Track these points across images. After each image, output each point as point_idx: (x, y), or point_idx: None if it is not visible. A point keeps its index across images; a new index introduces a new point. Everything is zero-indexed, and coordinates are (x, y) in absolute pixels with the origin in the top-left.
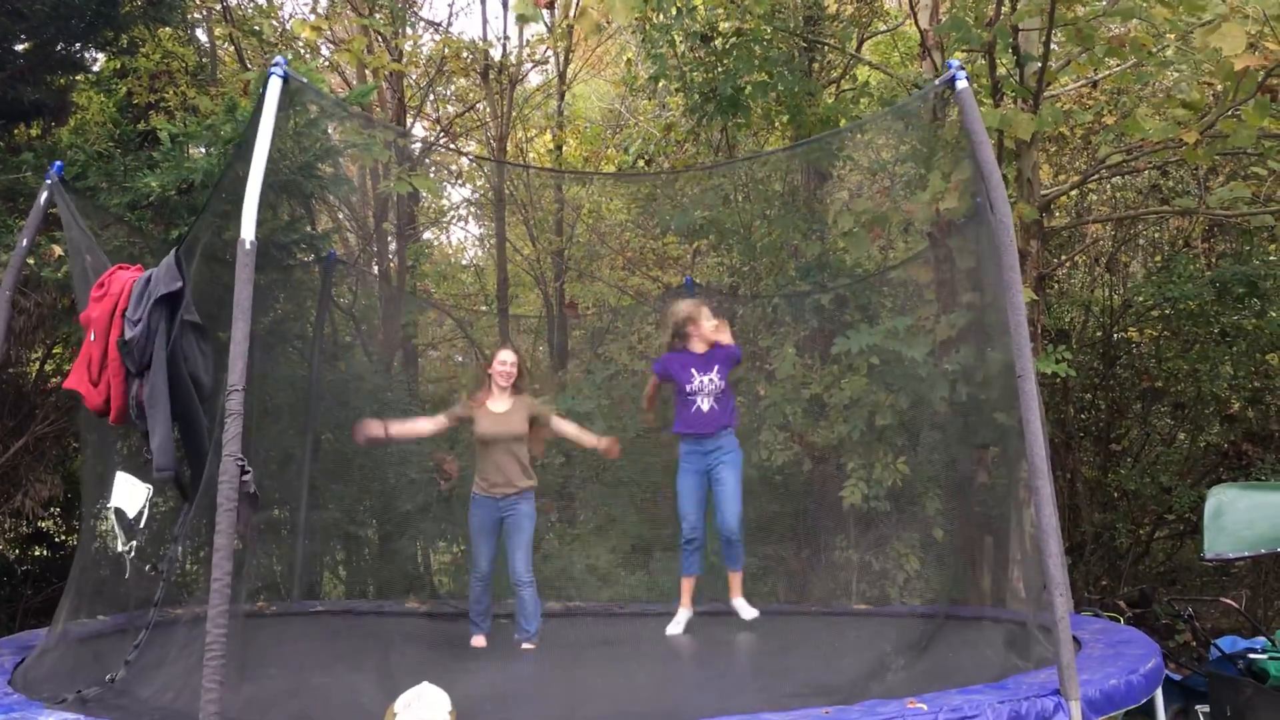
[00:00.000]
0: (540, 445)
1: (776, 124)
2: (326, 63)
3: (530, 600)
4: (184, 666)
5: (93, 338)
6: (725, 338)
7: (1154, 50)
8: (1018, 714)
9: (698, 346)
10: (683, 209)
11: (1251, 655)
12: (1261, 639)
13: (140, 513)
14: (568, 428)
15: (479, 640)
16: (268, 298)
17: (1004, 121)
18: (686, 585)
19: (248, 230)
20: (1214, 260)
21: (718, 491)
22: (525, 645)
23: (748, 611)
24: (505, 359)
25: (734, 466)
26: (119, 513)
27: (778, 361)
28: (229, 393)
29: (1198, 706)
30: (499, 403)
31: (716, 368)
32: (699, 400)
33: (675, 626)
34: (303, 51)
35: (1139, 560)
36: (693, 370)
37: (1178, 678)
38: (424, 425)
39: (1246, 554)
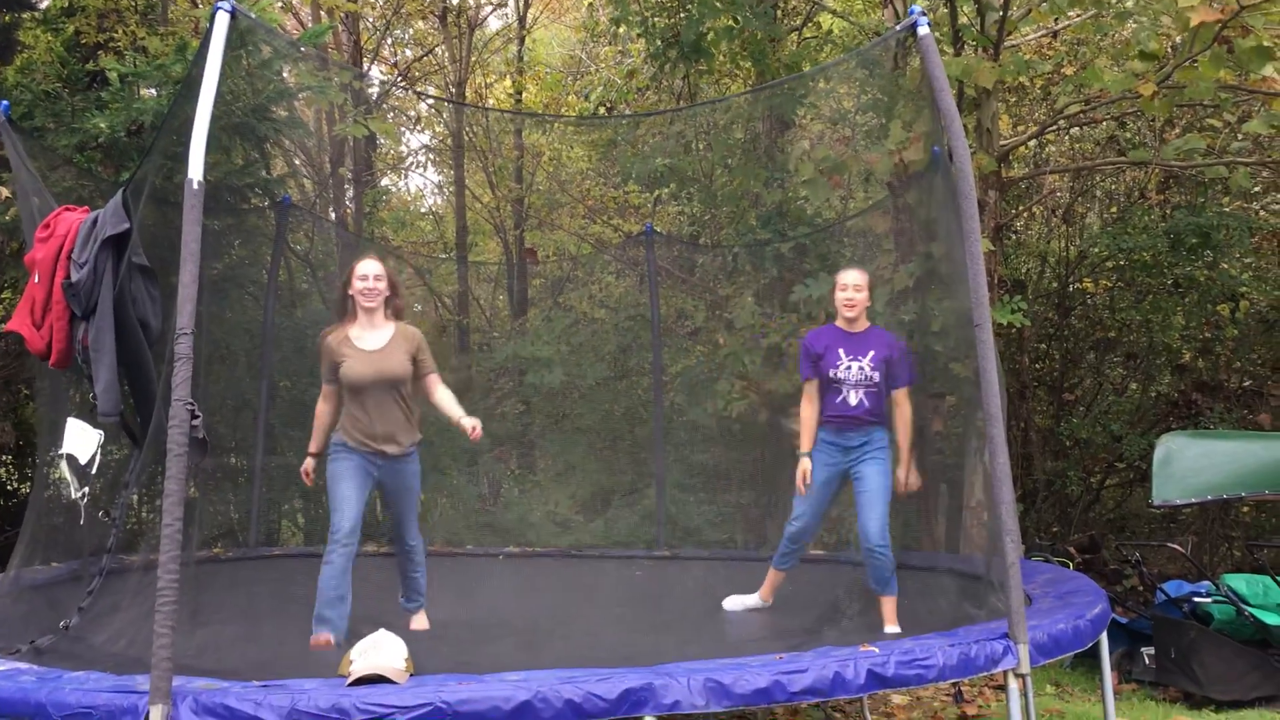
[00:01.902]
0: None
1: (740, 70)
2: (281, 3)
3: (422, 569)
4: (137, 613)
5: (37, 279)
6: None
7: (1113, 2)
8: (967, 657)
9: (850, 321)
10: (644, 157)
11: (1196, 599)
12: (1206, 583)
13: (92, 459)
14: (444, 397)
15: (325, 638)
16: (222, 242)
17: (966, 70)
18: (773, 577)
19: (195, 171)
20: (1168, 212)
21: (859, 493)
22: (417, 622)
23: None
24: (365, 271)
25: (881, 465)
26: (70, 459)
27: (737, 310)
28: (178, 336)
29: (1143, 649)
30: (370, 335)
31: (871, 354)
32: (845, 392)
33: (735, 604)
34: None
35: (1089, 507)
36: (840, 352)
37: (1124, 621)
38: (324, 413)
39: (1194, 501)
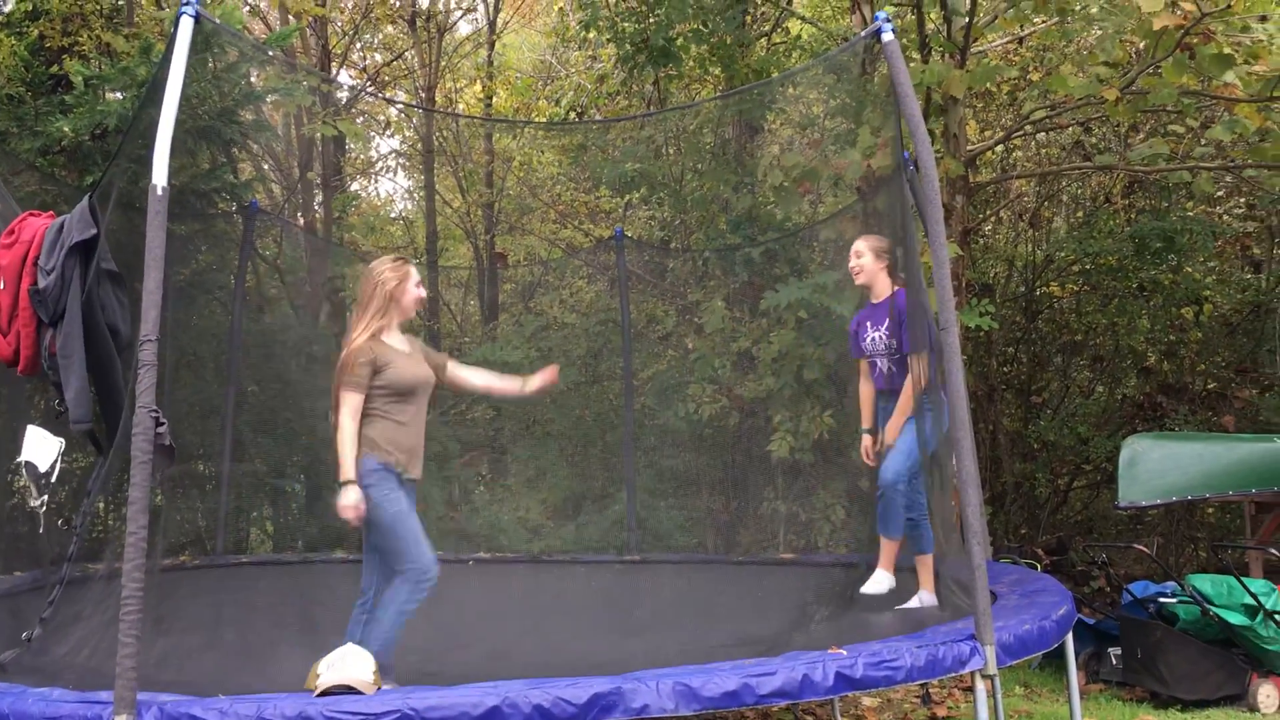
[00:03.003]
0: None
1: (709, 75)
2: (248, 7)
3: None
4: (99, 622)
5: (2, 285)
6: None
7: (1077, 8)
8: (935, 658)
9: (874, 291)
10: (614, 161)
11: (1162, 600)
12: (1172, 584)
13: (52, 467)
14: (482, 376)
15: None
16: (189, 248)
17: (935, 77)
18: (886, 549)
19: (159, 175)
20: (1133, 216)
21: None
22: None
23: (879, 583)
24: (420, 277)
25: (911, 424)
26: (30, 466)
27: (707, 315)
28: (142, 343)
29: (1110, 649)
30: (400, 339)
31: (887, 322)
32: (880, 364)
33: (872, 586)
34: None
35: (1057, 509)
36: (867, 325)
37: (1091, 622)
38: (351, 430)
39: (1159, 502)
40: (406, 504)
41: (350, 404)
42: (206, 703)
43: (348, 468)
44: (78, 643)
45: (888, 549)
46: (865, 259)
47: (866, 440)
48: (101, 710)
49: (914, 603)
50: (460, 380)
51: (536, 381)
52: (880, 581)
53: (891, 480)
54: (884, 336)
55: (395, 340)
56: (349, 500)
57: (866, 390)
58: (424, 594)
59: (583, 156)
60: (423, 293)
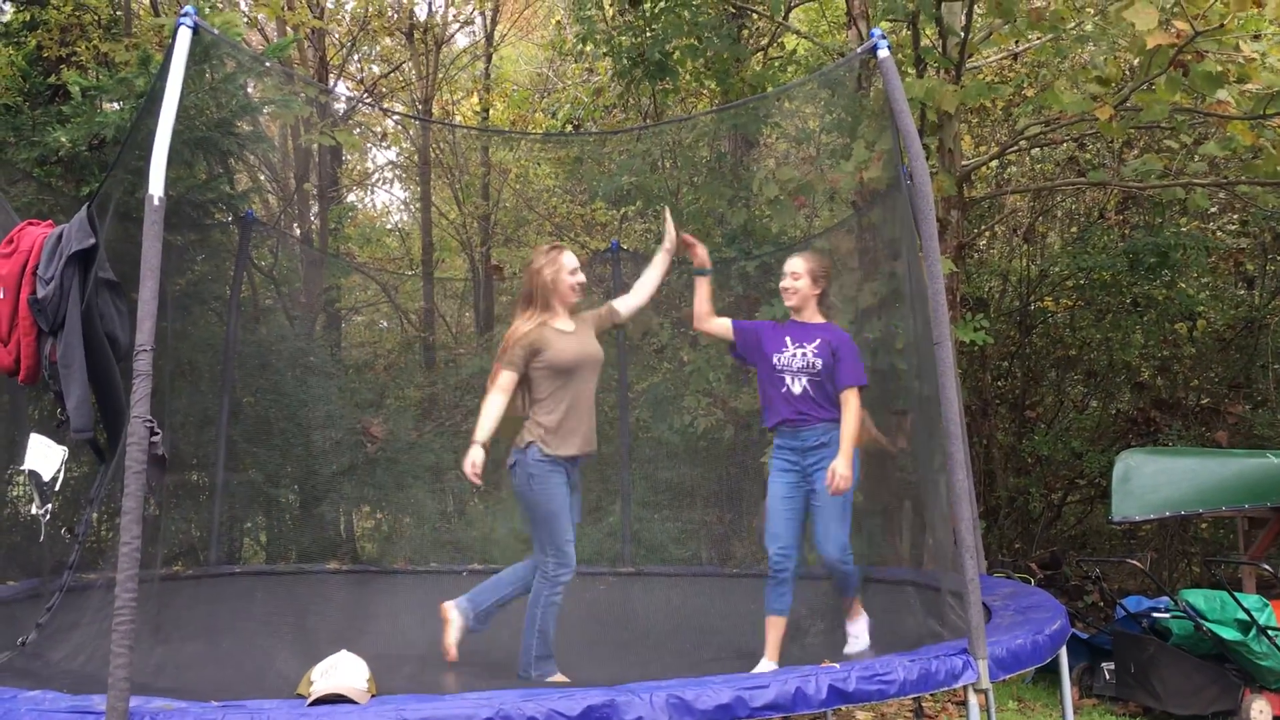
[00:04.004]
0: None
1: (705, 90)
2: (246, 19)
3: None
4: (96, 630)
5: (1, 295)
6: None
7: (1071, 26)
8: (928, 672)
9: (800, 315)
10: (610, 174)
11: (1155, 614)
12: (1165, 599)
13: (55, 476)
14: (639, 294)
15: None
16: (185, 258)
17: (930, 93)
18: (772, 627)
19: (156, 187)
20: (1127, 232)
21: (815, 508)
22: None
23: (858, 642)
24: (575, 264)
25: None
26: (33, 475)
27: None
28: (137, 353)
29: (1104, 664)
30: (566, 321)
31: (818, 341)
32: (788, 380)
33: (855, 645)
34: (219, 4)
35: (1051, 524)
36: (786, 339)
37: (1085, 636)
38: (497, 402)
39: (1152, 517)
40: (562, 500)
41: (500, 380)
42: (199, 712)
43: (480, 430)
44: (74, 649)
45: (853, 606)
46: (802, 281)
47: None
48: (95, 717)
49: (854, 645)
50: (632, 310)
51: (671, 236)
52: (859, 638)
53: (838, 556)
54: (809, 355)
55: (561, 324)
56: (471, 457)
57: (702, 310)
58: (559, 587)
59: (579, 169)
60: (579, 279)
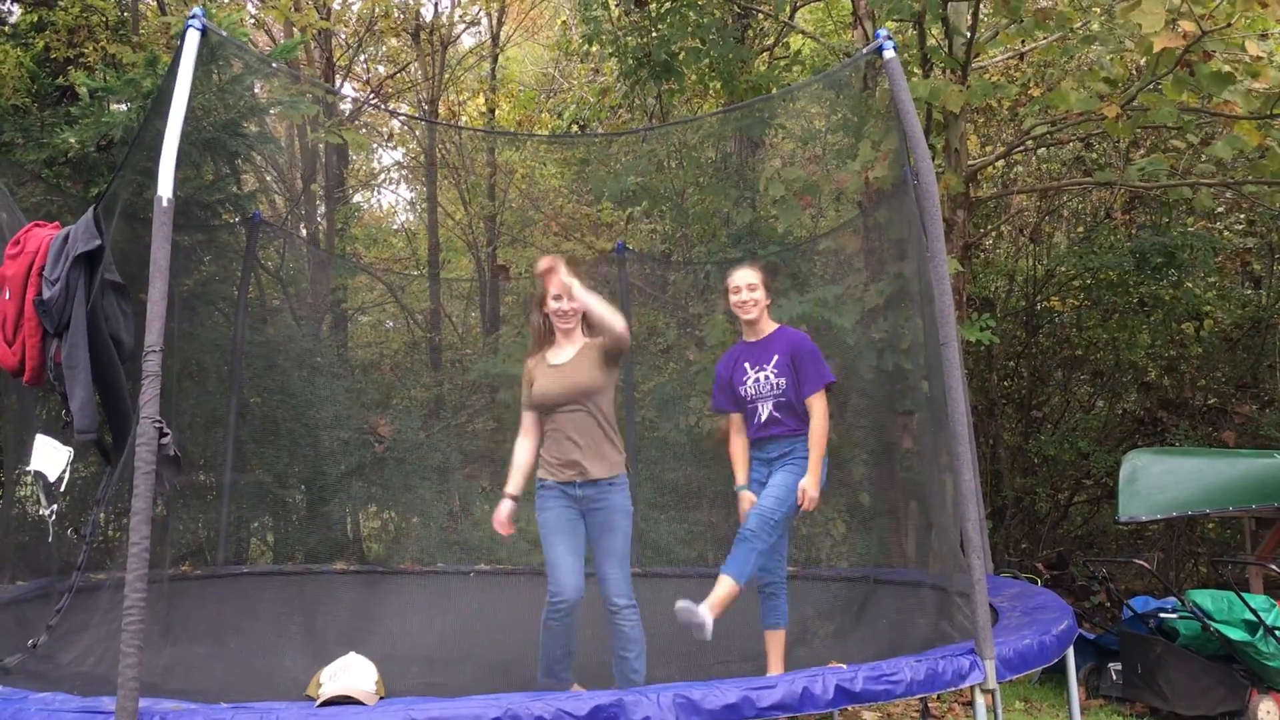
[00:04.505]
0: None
1: (710, 91)
2: (253, 20)
3: (632, 631)
4: (105, 631)
5: (7, 296)
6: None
7: (1077, 27)
8: (935, 672)
9: (752, 327)
10: (616, 175)
11: (1162, 615)
12: (1172, 599)
13: (61, 476)
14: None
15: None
16: (192, 259)
17: (934, 93)
18: (772, 642)
19: (165, 188)
20: (1134, 231)
21: (762, 487)
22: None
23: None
24: (555, 289)
25: (793, 470)
26: (39, 476)
27: (708, 328)
28: (146, 354)
29: (1110, 664)
30: (560, 351)
31: (775, 359)
32: (759, 408)
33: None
34: (226, 2)
35: (1058, 524)
36: (745, 366)
37: (1092, 637)
38: (521, 448)
39: (1159, 517)
40: (553, 525)
41: (523, 422)
42: (209, 713)
43: (510, 481)
44: (83, 650)
45: (727, 591)
46: (759, 293)
47: (744, 498)
48: (105, 717)
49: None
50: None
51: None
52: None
53: (752, 529)
54: (771, 377)
55: (554, 356)
56: (499, 509)
57: (739, 445)
58: (552, 610)
59: (585, 170)
60: (559, 306)
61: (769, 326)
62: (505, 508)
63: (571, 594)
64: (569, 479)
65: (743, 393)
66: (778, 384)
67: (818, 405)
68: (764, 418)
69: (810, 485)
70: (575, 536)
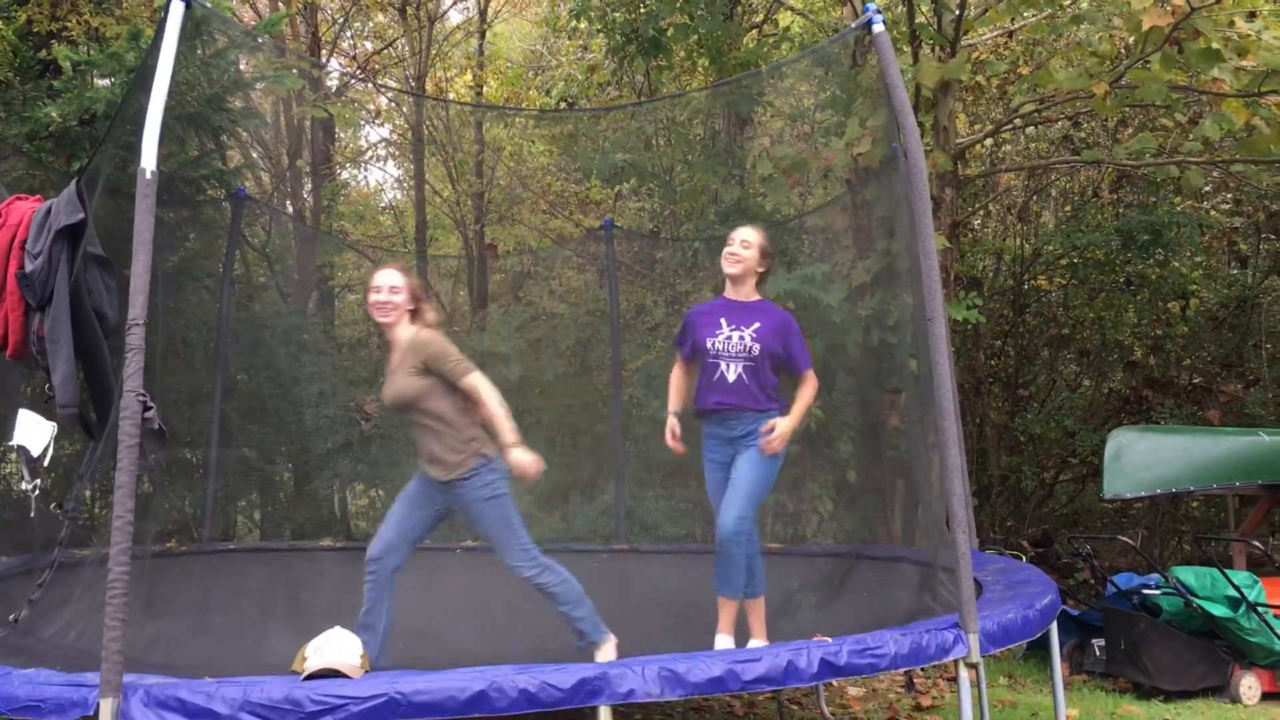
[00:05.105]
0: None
1: (699, 68)
2: None
3: (556, 589)
4: (87, 606)
5: None
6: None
7: (1066, 4)
8: (919, 645)
9: (736, 285)
10: (604, 152)
11: (1146, 591)
12: (1156, 575)
13: (44, 451)
14: (487, 399)
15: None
16: (177, 235)
17: (914, 71)
18: (725, 609)
19: (148, 160)
20: (1121, 210)
21: (731, 481)
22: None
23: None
24: (381, 283)
25: (756, 456)
26: (22, 450)
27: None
28: (130, 327)
29: (1094, 640)
30: (392, 354)
31: (756, 325)
32: (722, 365)
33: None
34: None
35: (1043, 502)
36: (721, 321)
37: (1075, 613)
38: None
39: (1144, 494)
40: (404, 491)
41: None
42: (193, 685)
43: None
44: (65, 625)
45: (727, 610)
46: (751, 252)
47: (671, 421)
48: (88, 693)
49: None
50: (478, 402)
51: (513, 456)
52: (721, 645)
53: (733, 531)
54: (747, 339)
55: (394, 352)
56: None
57: (678, 375)
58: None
59: (573, 147)
60: (376, 298)
61: (753, 294)
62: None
63: (369, 551)
64: (428, 475)
65: (709, 345)
66: (751, 348)
67: (810, 377)
68: (730, 379)
69: (784, 425)
70: (413, 508)
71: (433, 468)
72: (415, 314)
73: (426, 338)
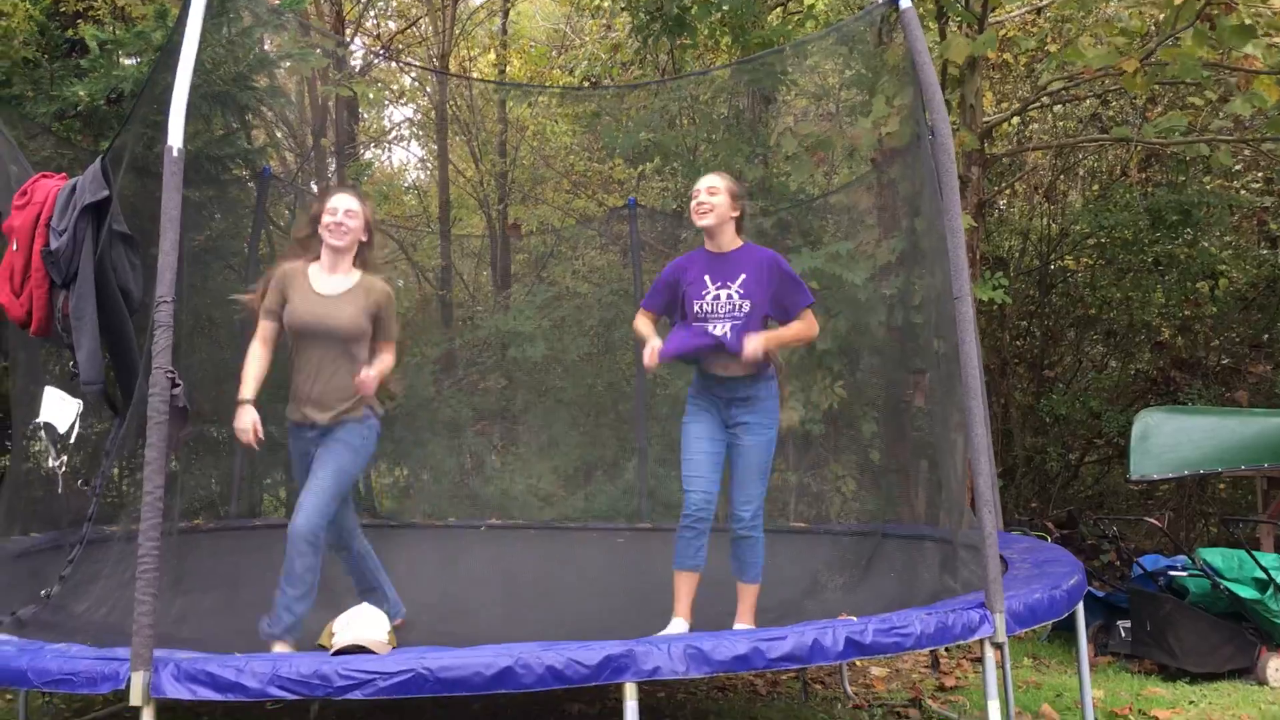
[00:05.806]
0: (388, 377)
1: (722, 46)
2: None
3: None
4: (118, 581)
5: (15, 247)
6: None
7: None
8: (945, 625)
9: (713, 236)
10: (628, 131)
11: (1172, 573)
12: (1182, 557)
13: (70, 428)
14: (389, 366)
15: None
16: (202, 214)
17: (942, 47)
18: (683, 583)
19: (175, 138)
20: (1150, 189)
21: (734, 462)
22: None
23: None
24: (336, 205)
25: (761, 434)
26: (48, 427)
27: None
28: (158, 304)
29: (1119, 622)
30: (328, 278)
31: (742, 278)
32: (712, 327)
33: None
34: None
35: (1068, 484)
36: (705, 279)
37: (1101, 595)
38: (261, 356)
39: (1170, 475)
40: (296, 461)
41: (260, 330)
42: (223, 659)
43: (245, 388)
44: (96, 600)
45: (748, 595)
46: (720, 198)
47: (653, 342)
48: (119, 666)
49: None
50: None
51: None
52: None
53: (752, 519)
54: (735, 297)
55: (323, 276)
56: (245, 420)
57: (644, 320)
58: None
59: (596, 125)
60: (332, 217)
61: (733, 241)
62: (244, 415)
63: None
64: (299, 420)
65: (697, 308)
66: (740, 305)
67: (808, 315)
68: (718, 334)
69: (759, 343)
70: (306, 475)
71: (318, 408)
72: (366, 244)
73: (388, 292)
